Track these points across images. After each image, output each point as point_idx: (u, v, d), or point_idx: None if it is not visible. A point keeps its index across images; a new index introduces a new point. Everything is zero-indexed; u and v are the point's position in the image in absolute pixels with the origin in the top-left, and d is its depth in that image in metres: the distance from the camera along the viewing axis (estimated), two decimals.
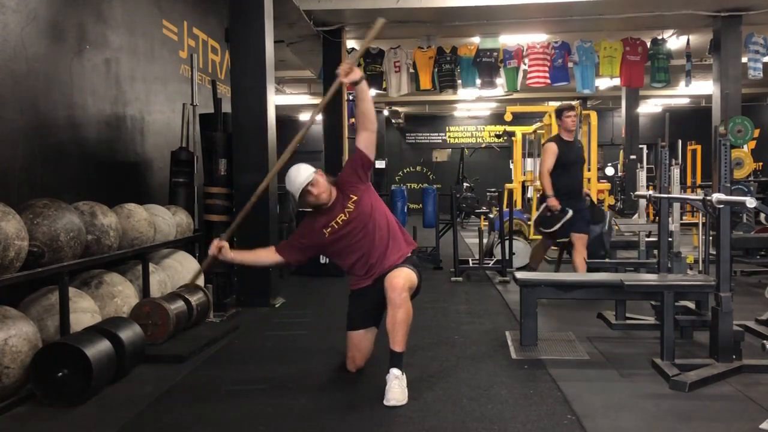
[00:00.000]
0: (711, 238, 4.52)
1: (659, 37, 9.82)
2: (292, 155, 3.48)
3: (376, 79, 9.99)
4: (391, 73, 9.89)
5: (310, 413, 3.05)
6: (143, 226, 4.47)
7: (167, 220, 4.89)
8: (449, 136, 21.21)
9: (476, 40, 9.86)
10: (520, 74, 9.90)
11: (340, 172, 3.58)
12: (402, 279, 3.28)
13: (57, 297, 3.51)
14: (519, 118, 14.94)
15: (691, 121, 16.90)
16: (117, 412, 3.09)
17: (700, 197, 3.75)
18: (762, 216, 9.16)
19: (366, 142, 3.48)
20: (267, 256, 3.63)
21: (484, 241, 7.68)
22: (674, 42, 10.12)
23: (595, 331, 4.47)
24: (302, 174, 3.41)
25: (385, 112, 18.65)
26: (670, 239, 4.64)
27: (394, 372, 3.17)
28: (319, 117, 4.89)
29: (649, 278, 4.33)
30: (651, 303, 4.48)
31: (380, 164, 17.80)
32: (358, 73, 3.32)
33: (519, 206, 11.22)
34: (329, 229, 3.47)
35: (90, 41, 4.79)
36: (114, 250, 4.11)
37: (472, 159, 17.63)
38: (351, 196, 3.46)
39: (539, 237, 6.40)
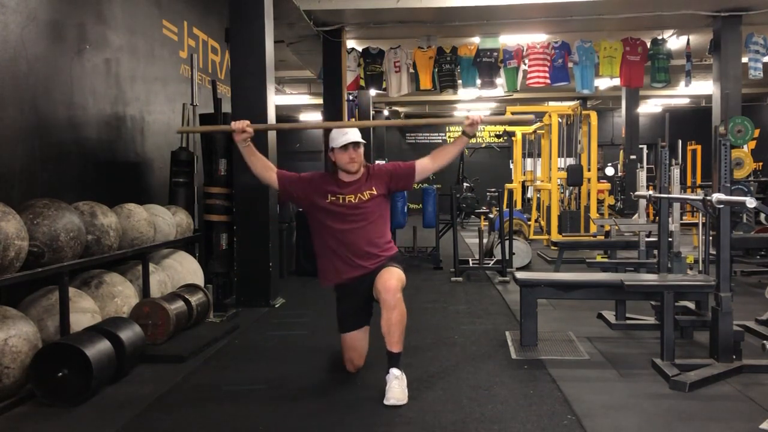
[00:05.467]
0: (711, 238, 4.52)
1: (659, 37, 9.82)
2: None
3: (376, 79, 9.99)
4: (391, 73, 9.88)
5: (310, 413, 3.05)
6: (143, 226, 4.47)
7: (167, 220, 4.89)
8: (449, 136, 21.19)
9: (476, 40, 9.86)
10: (520, 74, 9.90)
11: (380, 162, 3.60)
12: (395, 280, 3.26)
13: (57, 297, 3.51)
14: None
15: (691, 121, 16.89)
16: (117, 412, 3.09)
17: (700, 197, 3.75)
18: (762, 216, 9.18)
19: (425, 167, 3.52)
20: (264, 167, 3.55)
21: (484, 241, 7.68)
22: (674, 42, 10.12)
23: (595, 331, 4.47)
24: (357, 134, 3.46)
25: (385, 113, 18.65)
26: (670, 239, 4.64)
27: (394, 372, 3.17)
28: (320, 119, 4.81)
29: (649, 278, 4.33)
30: (651, 303, 4.48)
31: (380, 164, 17.76)
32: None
33: (519, 206, 11.23)
34: (333, 198, 3.43)
35: (90, 41, 4.79)
36: (114, 250, 4.11)
37: (472, 159, 17.63)
38: (372, 189, 3.46)
39: (540, 237, 6.38)
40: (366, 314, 3.56)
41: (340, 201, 3.43)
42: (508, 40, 9.79)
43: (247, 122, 3.43)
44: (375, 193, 3.46)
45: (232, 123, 3.42)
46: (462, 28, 9.35)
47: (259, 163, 3.53)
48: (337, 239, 3.44)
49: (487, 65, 9.70)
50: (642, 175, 8.78)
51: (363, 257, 3.43)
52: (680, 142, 6.64)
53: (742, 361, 3.53)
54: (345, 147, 3.42)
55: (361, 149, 3.48)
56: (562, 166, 10.50)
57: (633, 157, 12.57)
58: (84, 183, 4.66)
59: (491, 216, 8.72)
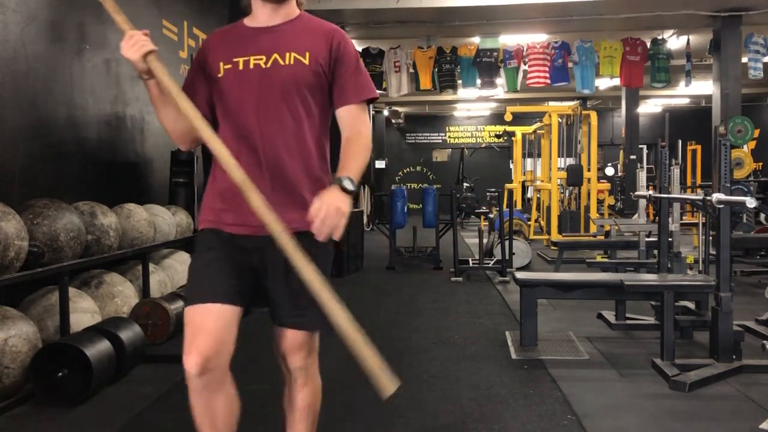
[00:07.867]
0: (711, 238, 4.52)
1: (659, 37, 9.83)
2: None
3: (376, 79, 9.99)
4: (391, 73, 9.89)
5: None
6: (143, 226, 4.47)
7: (167, 220, 4.89)
8: (449, 136, 21.22)
9: (476, 40, 9.86)
10: (520, 74, 9.90)
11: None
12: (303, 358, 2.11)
13: (57, 297, 3.51)
14: (519, 118, 14.95)
15: (691, 121, 16.90)
16: (117, 412, 3.09)
17: (700, 197, 3.75)
18: (762, 216, 9.18)
19: (338, 117, 1.95)
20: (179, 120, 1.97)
21: (484, 241, 7.68)
22: (674, 42, 10.12)
23: (595, 331, 4.47)
24: None
25: (385, 112, 18.65)
26: (670, 239, 4.64)
27: None
28: None
29: (649, 278, 4.33)
30: (651, 303, 4.48)
31: (380, 164, 17.81)
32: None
33: (519, 206, 11.23)
34: (228, 66, 1.88)
35: (90, 41, 4.79)
36: (114, 250, 4.11)
37: (472, 159, 17.64)
38: (305, 53, 1.91)
39: (540, 237, 6.39)
40: (241, 285, 1.91)
41: (240, 67, 1.86)
42: (508, 40, 9.79)
43: (146, 44, 1.94)
44: (306, 62, 1.88)
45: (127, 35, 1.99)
46: (462, 28, 9.36)
47: (174, 119, 1.97)
48: (235, 137, 1.94)
49: (487, 65, 9.70)
50: (642, 175, 8.78)
51: (278, 180, 1.88)
52: (680, 142, 6.64)
53: (742, 361, 3.53)
54: None
55: None
56: (562, 166, 10.51)
57: (633, 157, 12.57)
58: (84, 183, 4.65)
59: (491, 216, 8.72)
